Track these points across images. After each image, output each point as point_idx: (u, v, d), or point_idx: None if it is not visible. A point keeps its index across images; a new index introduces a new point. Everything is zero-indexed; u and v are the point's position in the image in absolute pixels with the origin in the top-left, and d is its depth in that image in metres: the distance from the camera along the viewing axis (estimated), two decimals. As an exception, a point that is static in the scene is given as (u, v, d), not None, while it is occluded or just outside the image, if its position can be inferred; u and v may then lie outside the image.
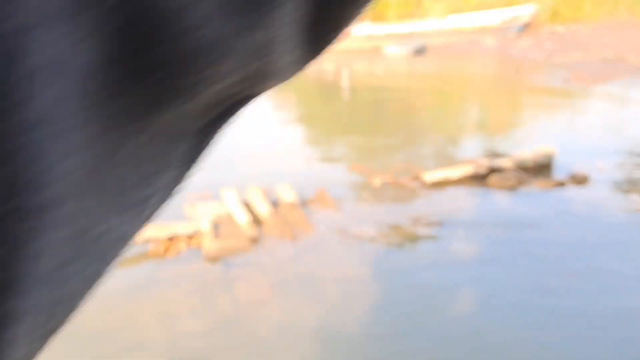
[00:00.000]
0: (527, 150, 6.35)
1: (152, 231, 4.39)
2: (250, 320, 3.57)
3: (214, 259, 4.20)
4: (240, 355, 3.24)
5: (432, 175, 5.89)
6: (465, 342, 3.34)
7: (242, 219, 4.70)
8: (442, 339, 3.39)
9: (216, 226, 4.64)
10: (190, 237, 4.49)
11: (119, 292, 3.90)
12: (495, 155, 6.62)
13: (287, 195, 5.23)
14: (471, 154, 7.00)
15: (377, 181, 5.93)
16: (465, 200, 5.52)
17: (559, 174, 5.95)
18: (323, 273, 4.14)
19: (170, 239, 4.44)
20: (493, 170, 5.90)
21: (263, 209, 4.90)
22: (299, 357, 3.20)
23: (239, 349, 3.29)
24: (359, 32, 22.57)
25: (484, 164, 6.02)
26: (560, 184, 5.70)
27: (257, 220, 4.84)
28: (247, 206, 5.00)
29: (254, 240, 4.48)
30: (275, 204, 5.14)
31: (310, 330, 3.43)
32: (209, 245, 4.32)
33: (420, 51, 19.96)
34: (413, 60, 18.36)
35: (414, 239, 4.71)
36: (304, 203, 5.28)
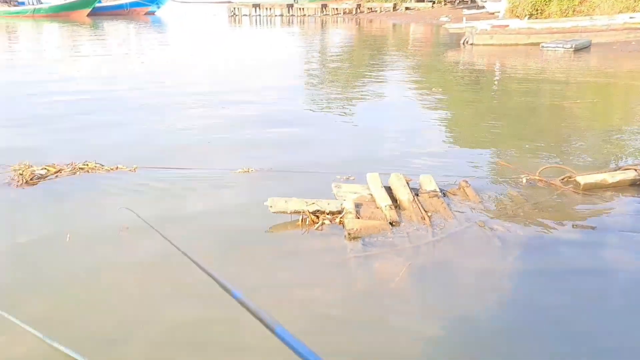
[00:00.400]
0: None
1: (300, 205, 4.74)
2: (382, 298, 3.73)
3: (354, 237, 4.44)
4: (367, 329, 3.43)
5: (587, 178, 5.57)
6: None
7: (384, 202, 4.87)
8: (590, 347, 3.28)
9: (359, 207, 4.87)
10: (334, 214, 4.78)
11: (263, 256, 4.31)
12: (662, 163, 6.04)
13: (429, 183, 5.30)
14: (632, 159, 6.48)
15: (524, 179, 5.76)
16: (621, 207, 5.15)
17: None
18: (459, 263, 4.18)
19: (316, 214, 4.76)
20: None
21: (404, 195, 5.03)
22: (426, 338, 3.30)
23: (367, 323, 3.48)
24: (517, 26, 21.54)
25: (649, 171, 5.55)
26: None
27: (397, 205, 4.99)
28: (389, 191, 5.16)
29: (394, 224, 4.64)
30: (416, 191, 5.24)
31: (440, 316, 3.50)
32: (351, 223, 4.56)
33: (582, 48, 18.52)
34: (573, 57, 17.09)
35: (560, 241, 4.53)
36: (445, 193, 5.31)
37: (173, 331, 3.35)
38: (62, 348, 3.04)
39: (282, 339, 0.96)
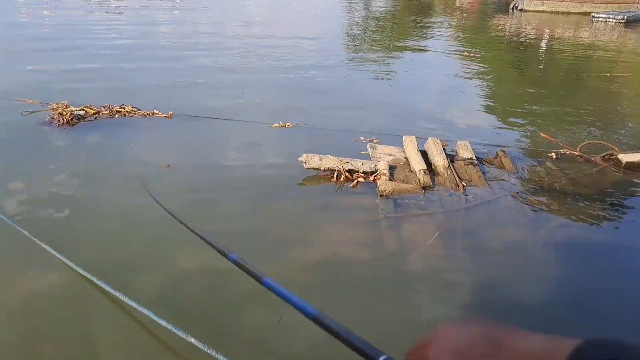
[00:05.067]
0: None
1: (335, 162, 4.73)
2: (408, 261, 3.73)
3: (387, 197, 4.42)
4: (390, 291, 3.44)
5: (629, 157, 5.39)
6: None
7: (418, 166, 4.82)
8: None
9: (393, 169, 4.83)
10: (368, 173, 4.75)
11: (293, 209, 4.33)
12: None
13: (465, 150, 5.20)
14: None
15: (564, 153, 5.60)
16: (664, 189, 4.99)
17: None
18: (489, 232, 4.13)
19: (350, 173, 4.74)
20: None
21: (439, 161, 4.96)
22: (447, 306, 3.30)
23: (390, 285, 3.49)
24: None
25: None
26: None
27: (432, 170, 4.93)
28: (425, 155, 5.09)
29: (427, 188, 4.60)
30: (452, 157, 5.16)
31: (465, 286, 3.49)
32: (384, 185, 4.53)
33: (635, 21, 17.63)
34: (624, 30, 16.30)
35: (594, 218, 4.42)
36: (481, 161, 5.22)
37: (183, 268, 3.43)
38: (88, 275, 3.15)
39: (272, 289, 0.97)
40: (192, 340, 2.69)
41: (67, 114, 6.08)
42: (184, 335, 2.72)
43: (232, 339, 2.88)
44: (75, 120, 6.05)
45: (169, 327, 2.77)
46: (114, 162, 5.10)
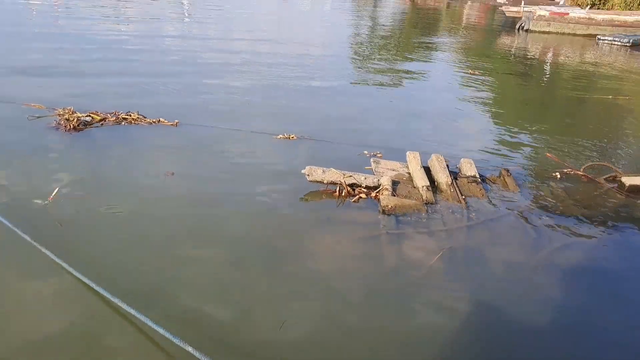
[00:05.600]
0: None
1: (337, 176, 4.73)
2: (408, 279, 3.71)
3: (388, 213, 4.41)
4: (387, 309, 3.43)
5: (633, 180, 5.38)
6: None
7: (421, 183, 4.82)
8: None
9: (395, 184, 4.83)
10: (370, 189, 4.76)
11: (295, 222, 4.33)
12: None
13: (469, 168, 5.21)
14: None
15: (567, 173, 5.60)
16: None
17: None
18: (492, 253, 4.11)
19: (353, 187, 4.74)
20: None
21: (443, 178, 4.97)
22: (445, 329, 3.28)
23: (389, 303, 3.48)
24: (576, 15, 20.70)
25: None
26: None
27: (435, 187, 4.93)
28: (428, 171, 5.10)
29: (429, 204, 4.59)
30: (455, 174, 5.17)
31: (465, 308, 3.45)
32: (386, 200, 4.53)
33: (641, 45, 17.69)
34: (631, 53, 16.35)
35: (597, 240, 4.41)
36: (485, 179, 5.22)
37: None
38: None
39: None
40: (190, 349, 2.69)
41: (73, 119, 6.12)
42: (181, 344, 2.71)
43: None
44: (81, 126, 6.08)
45: (167, 335, 2.76)
46: (119, 167, 5.11)
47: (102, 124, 6.25)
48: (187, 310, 3.16)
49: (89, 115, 6.34)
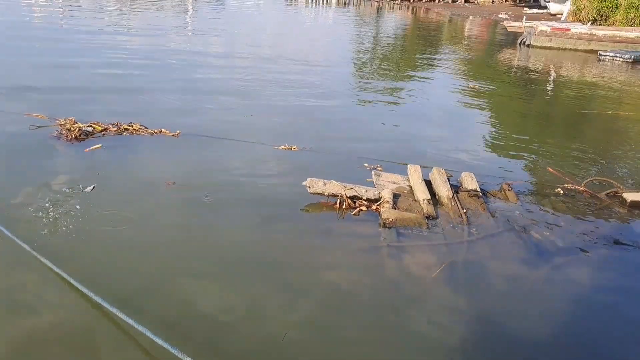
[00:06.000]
0: None
1: (338, 189, 4.72)
2: (408, 292, 3.69)
3: (389, 226, 4.40)
4: (385, 322, 3.40)
5: (634, 196, 5.37)
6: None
7: (422, 196, 4.81)
8: None
9: (396, 197, 4.82)
10: (371, 201, 4.74)
11: (295, 233, 4.32)
12: None
13: (470, 182, 5.20)
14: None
15: (568, 188, 5.59)
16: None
17: None
18: (492, 267, 4.09)
19: (353, 199, 4.73)
20: None
21: (444, 191, 4.95)
22: (442, 337, 3.25)
23: (386, 315, 3.45)
24: (578, 30, 20.79)
25: None
26: None
27: (436, 200, 4.92)
28: (429, 185, 5.09)
29: (430, 218, 4.58)
30: (456, 187, 5.16)
31: (464, 323, 3.42)
32: (387, 213, 4.52)
33: (642, 61, 17.73)
34: (632, 69, 16.39)
35: (598, 256, 4.38)
36: (486, 193, 5.21)
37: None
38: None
39: None
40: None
41: (75, 129, 6.13)
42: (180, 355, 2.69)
43: None
44: (82, 136, 6.09)
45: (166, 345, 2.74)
46: (120, 176, 5.11)
47: (103, 134, 6.26)
48: (182, 317, 3.14)
49: (91, 126, 6.35)
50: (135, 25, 17.55)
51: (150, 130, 6.46)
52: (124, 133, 6.36)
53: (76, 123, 6.30)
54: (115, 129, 6.42)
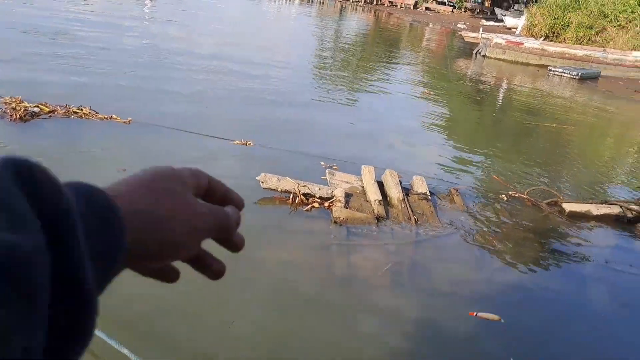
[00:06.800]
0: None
1: (292, 185, 4.74)
2: (355, 289, 3.75)
3: (340, 224, 4.45)
4: (332, 319, 3.45)
5: (572, 206, 5.62)
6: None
7: (374, 197, 4.88)
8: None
9: (349, 197, 4.87)
10: (323, 199, 4.78)
11: (246, 226, 4.30)
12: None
13: (420, 185, 5.32)
14: (618, 196, 6.56)
15: (512, 195, 5.81)
16: (601, 239, 5.23)
17: None
18: (436, 268, 4.21)
19: (306, 196, 4.75)
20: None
21: (395, 193, 5.05)
22: (386, 342, 3.33)
23: (334, 312, 3.50)
24: (531, 45, 21.55)
25: (635, 208, 5.63)
26: None
27: (386, 201, 5.01)
28: (381, 186, 5.17)
29: (381, 218, 4.66)
30: (407, 190, 5.26)
31: (406, 322, 3.51)
32: (338, 212, 4.57)
33: (588, 78, 18.57)
34: (578, 86, 17.16)
35: (536, 262, 4.57)
36: (434, 196, 5.34)
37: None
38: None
39: None
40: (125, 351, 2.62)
41: (20, 109, 5.89)
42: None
43: None
44: (28, 117, 5.86)
45: None
46: (67, 161, 4.95)
47: (50, 116, 6.04)
48: (131, 315, 3.08)
49: (37, 106, 6.11)
50: (91, 13, 17.00)
51: (100, 116, 6.28)
52: (72, 116, 6.16)
53: (22, 102, 6.06)
54: (64, 111, 6.20)
